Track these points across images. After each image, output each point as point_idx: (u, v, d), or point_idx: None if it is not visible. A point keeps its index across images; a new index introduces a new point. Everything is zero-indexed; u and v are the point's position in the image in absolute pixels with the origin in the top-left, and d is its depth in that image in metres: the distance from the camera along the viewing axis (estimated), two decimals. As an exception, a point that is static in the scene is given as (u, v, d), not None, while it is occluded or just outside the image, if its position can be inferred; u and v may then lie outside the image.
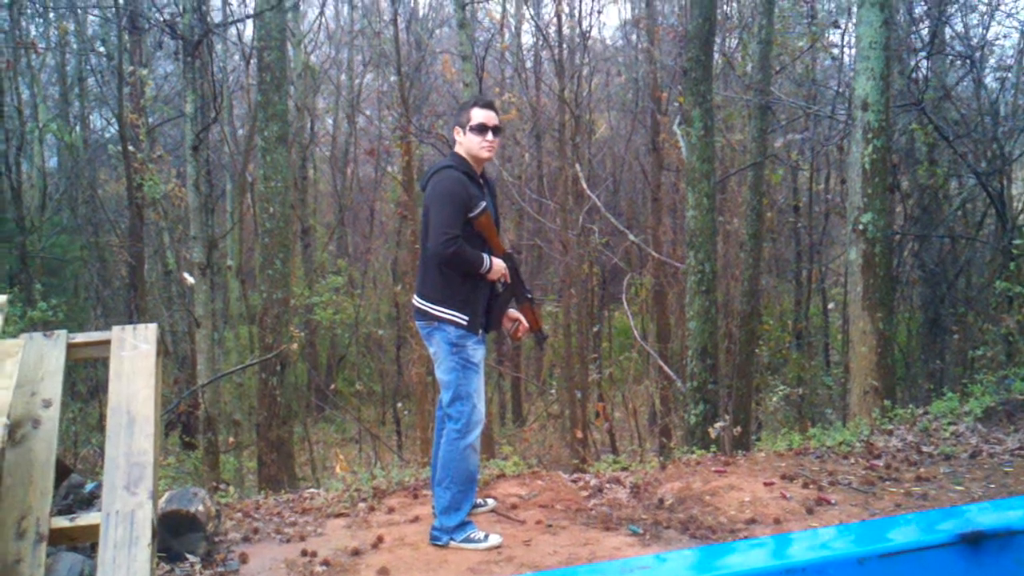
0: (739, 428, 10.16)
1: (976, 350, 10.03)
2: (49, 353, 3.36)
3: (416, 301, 4.55)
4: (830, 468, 5.55)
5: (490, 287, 4.59)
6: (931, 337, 12.63)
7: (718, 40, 14.04)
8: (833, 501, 4.94)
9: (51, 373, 3.30)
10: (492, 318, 4.62)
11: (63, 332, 3.44)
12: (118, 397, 3.26)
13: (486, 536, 4.45)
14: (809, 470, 5.51)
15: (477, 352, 4.46)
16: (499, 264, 4.50)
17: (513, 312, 4.75)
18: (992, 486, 5.16)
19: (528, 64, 19.13)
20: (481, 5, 16.98)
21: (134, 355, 3.36)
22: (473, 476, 4.51)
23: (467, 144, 4.51)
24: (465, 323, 4.42)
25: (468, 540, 4.41)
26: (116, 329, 3.46)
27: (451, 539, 4.42)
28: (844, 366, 11.70)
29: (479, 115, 4.52)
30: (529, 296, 4.78)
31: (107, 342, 3.43)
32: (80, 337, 3.49)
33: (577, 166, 13.75)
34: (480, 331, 4.51)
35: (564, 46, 16.18)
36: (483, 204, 4.39)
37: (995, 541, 1.73)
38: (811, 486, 5.18)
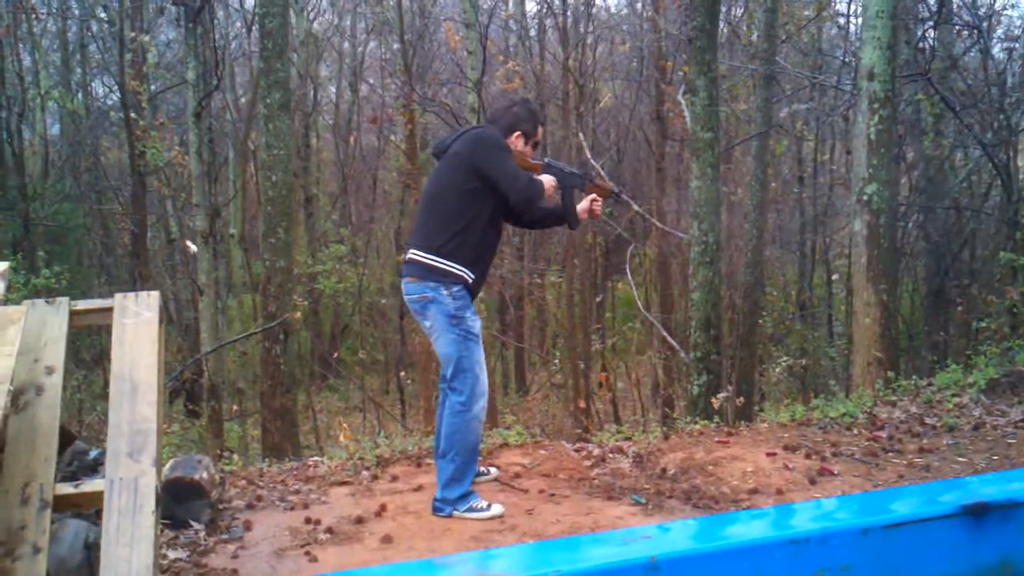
0: (742, 399, 10.18)
1: (980, 322, 10.02)
2: (52, 320, 3.35)
3: (417, 255, 4.40)
4: (833, 439, 5.55)
5: (496, 251, 4.61)
6: (935, 309, 12.62)
7: (723, 8, 13.94)
8: (836, 472, 4.94)
9: (54, 340, 3.30)
10: (483, 282, 4.65)
11: (65, 299, 3.43)
12: (121, 364, 3.26)
13: (489, 505, 4.44)
14: (812, 441, 5.51)
15: (476, 323, 4.42)
16: (547, 180, 4.54)
17: (584, 204, 4.72)
18: (995, 458, 5.16)
19: (532, 32, 19.01)
20: (485, -28, 16.86)
21: (136, 322, 3.35)
22: (476, 447, 4.49)
23: (517, 154, 4.52)
24: (471, 280, 4.37)
25: (471, 510, 4.41)
26: (118, 296, 3.45)
27: (454, 510, 4.41)
28: (848, 337, 11.69)
29: (540, 134, 4.64)
30: (585, 178, 4.75)
31: (109, 309, 3.42)
32: (82, 304, 3.48)
33: (581, 135, 13.69)
34: (475, 296, 4.52)
35: (568, 14, 16.07)
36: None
37: (998, 512, 1.73)
38: (814, 457, 5.18)
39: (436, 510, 4.44)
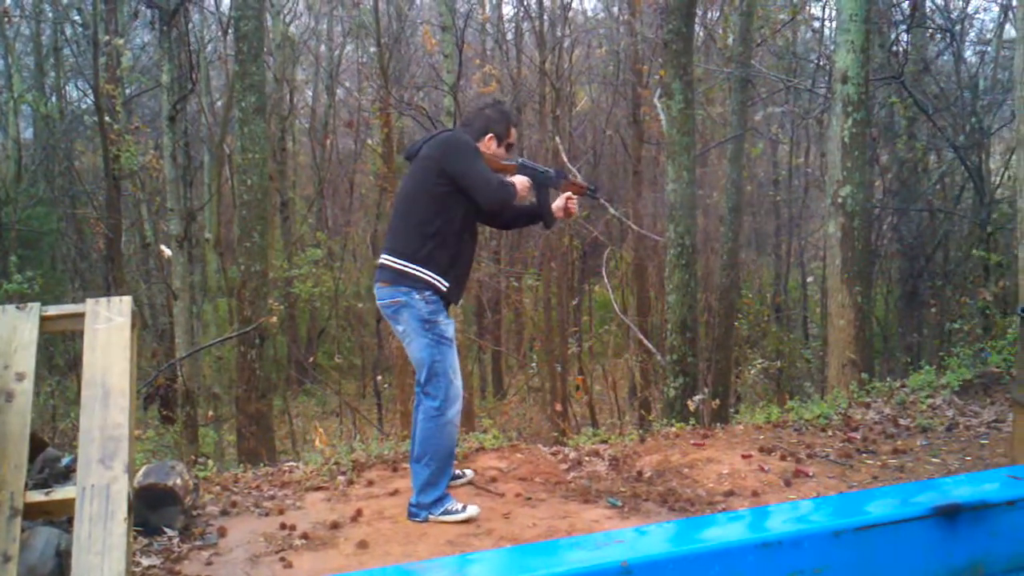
0: (718, 401, 10.22)
1: (953, 323, 10.11)
2: (22, 326, 3.32)
3: (390, 261, 4.37)
4: (808, 441, 5.58)
5: (472, 256, 4.60)
6: (909, 310, 12.70)
7: (699, 12, 13.99)
8: (811, 473, 4.96)
9: (24, 346, 3.27)
10: (462, 290, 4.63)
11: (36, 304, 3.40)
12: (93, 370, 3.23)
13: (464, 507, 4.43)
14: (787, 442, 5.53)
15: (449, 327, 4.39)
16: (520, 180, 4.51)
17: (559, 202, 4.68)
18: (968, 458, 5.20)
19: (509, 36, 19.03)
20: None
21: (109, 328, 3.33)
22: (451, 452, 4.48)
23: (489, 156, 4.49)
24: (445, 289, 4.34)
25: (446, 512, 4.39)
26: (90, 302, 3.42)
27: (429, 514, 4.40)
28: (822, 339, 11.75)
29: (514, 135, 4.61)
30: (560, 177, 4.69)
31: (81, 315, 3.39)
32: (53, 310, 3.45)
33: (557, 139, 13.70)
34: (452, 303, 4.50)
35: (545, 18, 16.09)
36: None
37: (970, 514, 1.74)
38: (789, 458, 5.20)
39: (411, 515, 4.43)
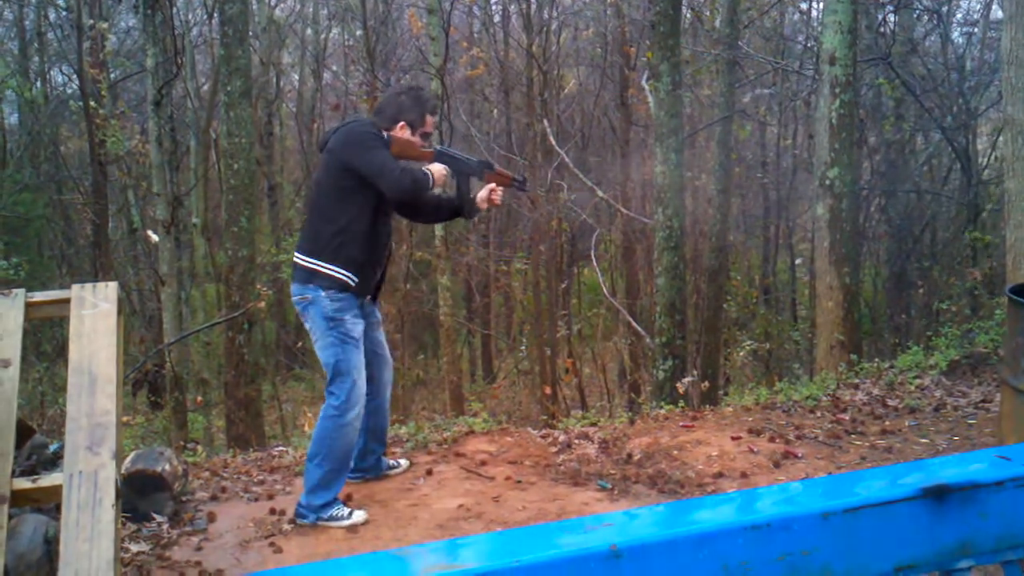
0: (707, 383, 10.24)
1: (941, 303, 10.14)
2: (7, 312, 3.30)
3: (298, 259, 4.32)
4: (797, 422, 5.59)
5: (385, 250, 4.50)
6: (897, 291, 12.75)
7: (687, -6, 13.95)
8: (800, 454, 4.98)
9: (10, 332, 3.25)
10: (379, 287, 4.58)
11: (21, 291, 3.38)
12: (79, 357, 3.21)
13: (350, 513, 4.31)
14: (776, 424, 5.55)
15: (356, 326, 4.30)
16: (436, 169, 4.38)
17: (482, 192, 4.55)
18: (956, 438, 5.22)
19: (496, 18, 18.94)
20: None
21: (95, 314, 3.31)
22: (348, 455, 4.37)
23: (404, 142, 4.36)
24: (353, 284, 4.26)
25: (333, 519, 4.27)
26: (76, 287, 3.40)
27: (318, 518, 4.27)
28: (811, 321, 11.78)
29: (431, 123, 4.47)
30: (482, 166, 4.56)
31: (67, 301, 3.37)
32: (39, 296, 3.43)
33: (545, 122, 13.67)
34: (365, 298, 4.42)
35: (532, 0, 16.01)
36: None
37: (958, 495, 1.74)
38: (778, 440, 5.21)
39: (299, 516, 4.32)
